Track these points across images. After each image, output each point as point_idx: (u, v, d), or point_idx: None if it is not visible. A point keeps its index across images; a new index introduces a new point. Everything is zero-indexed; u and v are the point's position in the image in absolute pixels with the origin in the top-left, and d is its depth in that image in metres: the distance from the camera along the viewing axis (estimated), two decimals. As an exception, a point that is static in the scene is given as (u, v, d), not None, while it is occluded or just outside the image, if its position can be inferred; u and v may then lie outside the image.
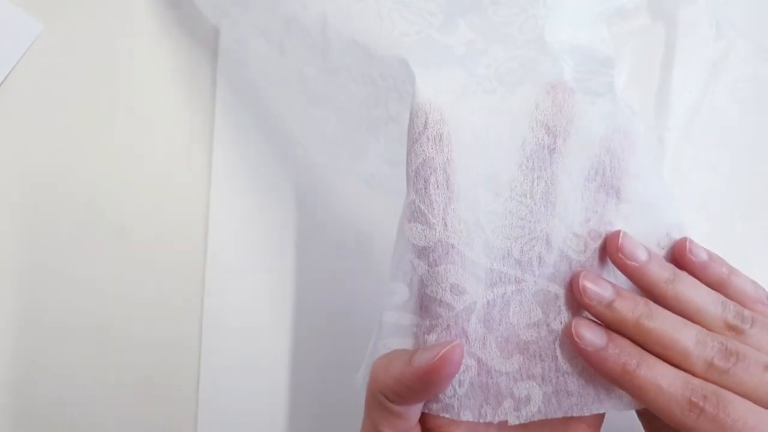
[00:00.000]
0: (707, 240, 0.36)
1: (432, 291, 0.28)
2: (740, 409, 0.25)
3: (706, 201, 0.37)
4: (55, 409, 0.38)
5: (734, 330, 0.28)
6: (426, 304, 0.28)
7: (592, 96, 0.28)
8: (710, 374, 0.26)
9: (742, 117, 0.38)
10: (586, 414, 0.28)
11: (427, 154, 0.27)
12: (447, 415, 0.28)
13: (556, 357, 0.28)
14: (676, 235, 0.30)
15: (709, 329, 0.27)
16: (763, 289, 0.30)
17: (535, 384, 0.28)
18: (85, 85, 0.41)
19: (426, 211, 0.28)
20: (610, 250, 0.28)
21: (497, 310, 0.28)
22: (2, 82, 0.40)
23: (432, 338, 0.28)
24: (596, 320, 0.28)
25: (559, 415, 0.28)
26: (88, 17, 0.41)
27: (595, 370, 0.28)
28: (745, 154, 0.38)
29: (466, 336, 0.28)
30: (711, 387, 0.26)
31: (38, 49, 0.41)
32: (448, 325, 0.28)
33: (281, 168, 0.41)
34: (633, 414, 0.30)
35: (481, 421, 0.28)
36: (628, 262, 0.28)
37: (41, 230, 0.39)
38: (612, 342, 0.27)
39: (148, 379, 0.40)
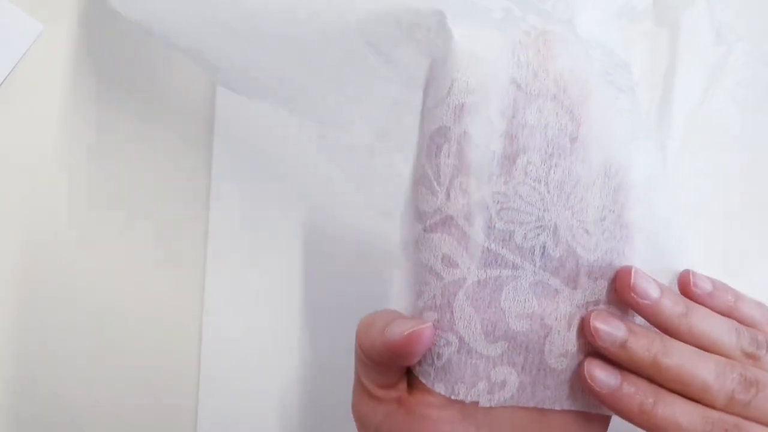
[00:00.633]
0: (706, 245, 0.36)
1: (424, 257, 0.28)
2: None
3: (705, 206, 0.37)
4: (55, 409, 0.38)
5: (751, 357, 0.27)
6: (417, 269, 0.28)
7: (616, 91, 0.28)
8: (731, 407, 0.26)
9: (741, 121, 0.38)
10: (557, 408, 0.28)
11: (444, 122, 0.27)
12: (423, 381, 0.28)
13: (543, 352, 0.28)
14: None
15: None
16: None
17: (513, 371, 0.27)
18: (85, 85, 0.41)
19: (432, 178, 0.27)
20: (621, 288, 0.28)
21: (488, 291, 0.27)
22: (2, 82, 0.40)
23: (420, 304, 0.28)
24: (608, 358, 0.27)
25: (531, 404, 0.27)
26: (88, 17, 0.41)
27: (611, 411, 0.27)
28: (744, 158, 0.38)
29: (451, 310, 0.27)
30: (732, 419, 0.26)
31: (38, 49, 0.41)
32: (434, 295, 0.27)
33: (282, 167, 0.40)
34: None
35: (452, 398, 0.27)
36: (641, 300, 0.27)
37: (41, 230, 0.39)
38: (626, 381, 0.27)
39: (148, 379, 0.39)
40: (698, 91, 0.38)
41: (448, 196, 0.27)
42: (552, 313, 0.28)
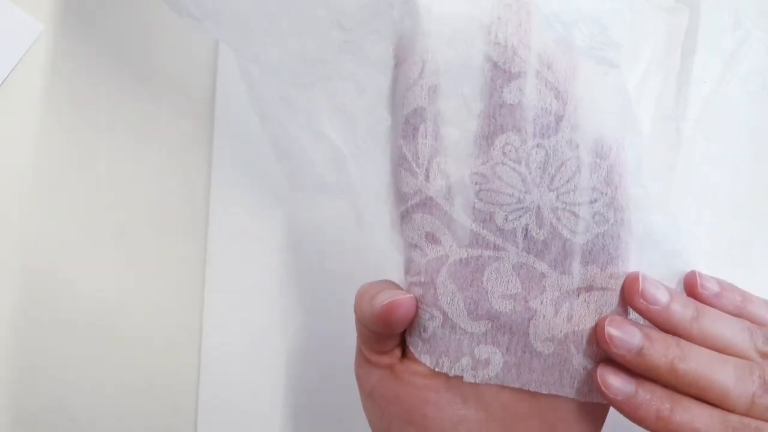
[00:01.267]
0: (713, 234, 0.36)
1: (408, 236, 0.28)
2: None
3: (713, 195, 0.36)
4: (55, 409, 0.38)
5: (766, 356, 0.27)
6: (404, 247, 0.28)
7: (606, 66, 0.27)
8: (752, 411, 0.25)
9: (752, 111, 0.36)
10: (544, 392, 0.27)
11: (419, 104, 0.27)
12: (412, 351, 0.28)
13: (527, 334, 0.27)
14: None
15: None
16: None
17: (498, 351, 0.27)
18: (85, 85, 0.41)
19: (411, 159, 0.27)
20: (629, 295, 0.27)
21: (469, 270, 0.27)
22: (2, 82, 0.40)
23: (408, 279, 0.28)
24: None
25: (516, 385, 0.27)
26: (88, 17, 0.41)
27: (626, 417, 0.26)
28: (753, 148, 0.37)
29: (435, 286, 0.27)
30: (753, 423, 0.25)
31: (38, 49, 0.41)
32: (419, 271, 0.28)
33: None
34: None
35: (437, 370, 0.28)
36: (651, 306, 0.26)
37: (41, 229, 0.39)
38: (641, 387, 0.26)
39: (148, 379, 0.39)
40: (714, 76, 0.36)
41: (427, 177, 0.27)
42: (537, 297, 0.27)
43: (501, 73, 0.26)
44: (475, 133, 0.26)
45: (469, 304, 0.27)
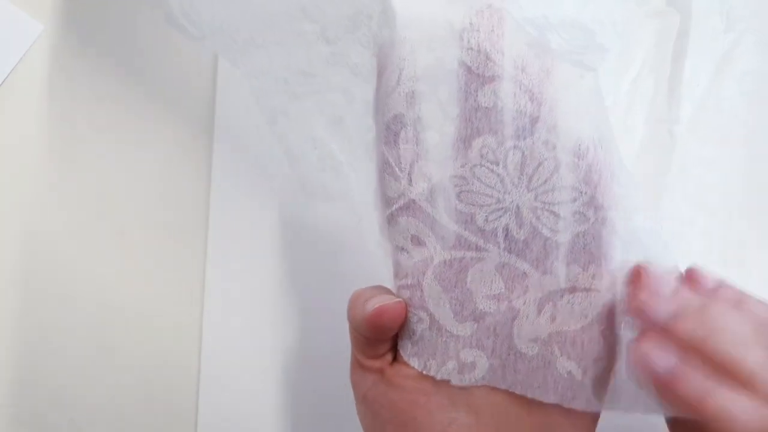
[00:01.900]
0: (707, 235, 0.36)
1: (395, 239, 0.28)
2: None
3: (707, 197, 0.37)
4: (55, 410, 0.38)
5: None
6: (392, 248, 0.29)
7: (582, 69, 0.27)
8: None
9: (747, 112, 0.37)
10: (529, 396, 0.27)
11: (398, 110, 0.27)
12: (402, 353, 0.29)
13: (512, 336, 0.27)
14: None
15: None
16: None
17: (483, 354, 0.27)
18: (85, 85, 0.41)
19: (394, 164, 0.28)
20: (634, 287, 0.27)
21: (453, 272, 0.28)
22: (2, 82, 0.40)
23: (396, 282, 0.29)
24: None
25: (503, 386, 0.27)
26: (87, 17, 0.41)
27: (664, 400, 0.25)
28: (747, 149, 0.37)
29: (421, 288, 0.28)
30: None
31: (38, 49, 0.41)
32: (406, 274, 0.28)
33: (282, 167, 0.40)
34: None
35: (425, 373, 0.28)
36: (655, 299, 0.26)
37: (41, 230, 0.39)
38: (682, 364, 0.25)
39: (148, 380, 0.39)
40: (707, 78, 0.37)
41: (410, 180, 0.27)
42: (520, 297, 0.27)
43: (475, 77, 0.27)
44: (453, 137, 0.27)
45: (455, 305, 0.28)
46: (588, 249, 0.27)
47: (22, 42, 0.41)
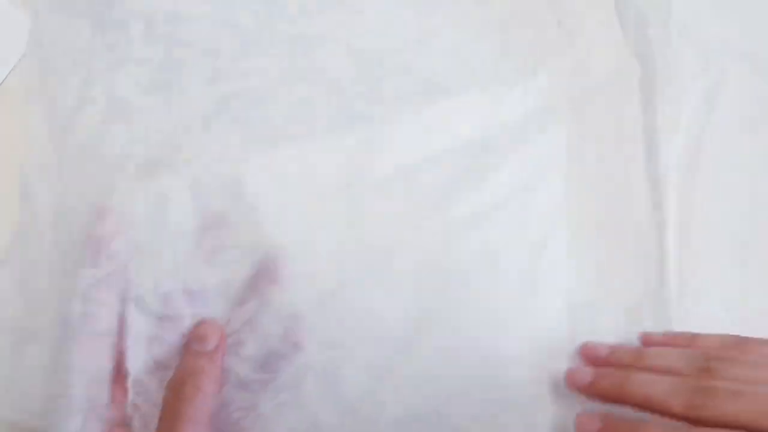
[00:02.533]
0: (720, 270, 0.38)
1: None
2: None
3: (724, 227, 0.38)
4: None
5: (705, 371, 0.30)
6: None
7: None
8: (693, 413, 0.29)
9: (750, 138, 0.39)
10: None
11: None
12: None
13: None
14: None
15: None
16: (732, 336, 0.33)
17: None
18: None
19: None
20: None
21: None
22: (2, 82, 0.40)
23: None
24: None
25: None
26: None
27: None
28: (748, 180, 0.39)
29: None
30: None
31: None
32: None
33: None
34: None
35: None
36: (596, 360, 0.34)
37: (41, 230, 0.37)
38: (608, 423, 0.32)
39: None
40: (693, 119, 0.39)
41: None
42: None
43: None
44: None
45: None
46: None
47: (22, 42, 0.40)
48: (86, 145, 0.36)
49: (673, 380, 0.30)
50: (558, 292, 0.36)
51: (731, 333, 0.33)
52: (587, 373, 0.33)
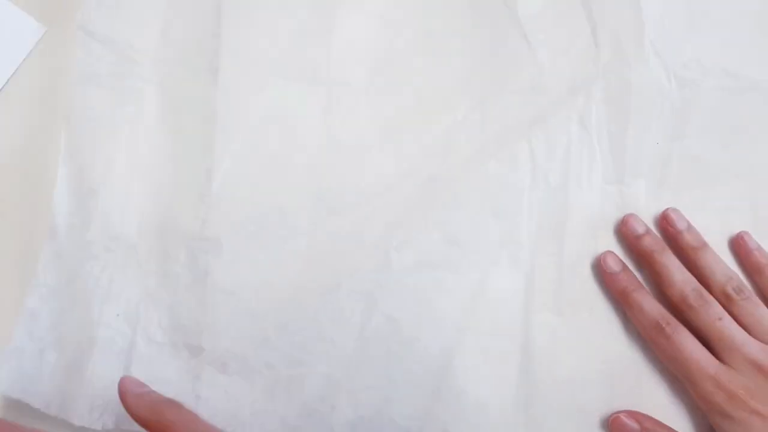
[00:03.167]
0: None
1: None
2: (685, 341, 0.35)
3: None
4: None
5: (725, 296, 0.36)
6: None
7: None
8: (681, 306, 0.36)
9: (722, 156, 0.40)
10: None
11: None
12: None
13: None
14: None
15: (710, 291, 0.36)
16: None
17: None
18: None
19: None
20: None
21: None
22: (5, 83, 0.41)
23: None
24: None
25: None
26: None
27: (607, 288, 0.38)
28: (726, 189, 0.40)
29: None
30: (674, 319, 0.36)
31: (41, 51, 0.42)
32: None
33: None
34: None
35: None
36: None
37: (42, 230, 0.39)
38: (624, 272, 0.37)
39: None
40: (663, 134, 0.40)
41: None
42: None
43: None
44: None
45: None
46: None
47: (25, 44, 0.42)
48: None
49: (693, 279, 0.37)
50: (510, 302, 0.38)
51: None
52: (642, 226, 0.38)
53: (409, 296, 0.38)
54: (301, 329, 0.37)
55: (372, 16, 0.40)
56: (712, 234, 0.39)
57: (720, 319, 0.35)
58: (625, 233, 0.38)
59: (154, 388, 0.37)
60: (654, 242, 0.38)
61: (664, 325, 0.36)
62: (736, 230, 0.39)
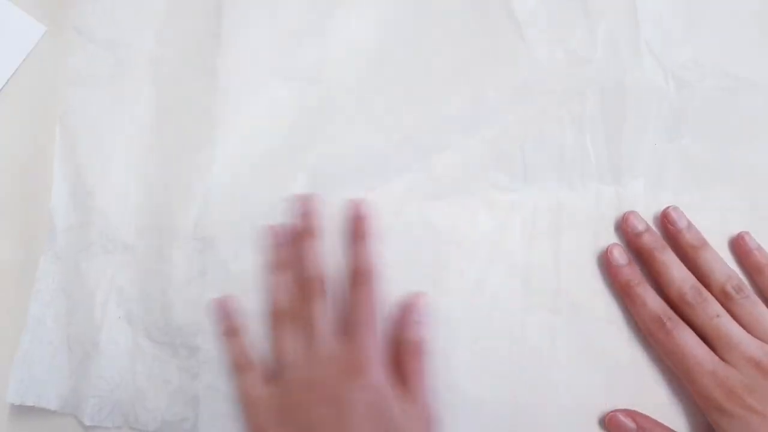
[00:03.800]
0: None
1: None
2: (685, 337, 0.35)
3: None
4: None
5: (723, 294, 0.36)
6: None
7: None
8: (680, 304, 0.36)
9: (718, 157, 0.40)
10: None
11: None
12: None
13: None
14: None
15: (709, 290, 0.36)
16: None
17: None
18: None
19: None
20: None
21: None
22: (6, 83, 0.41)
23: None
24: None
25: None
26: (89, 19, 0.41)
27: (611, 280, 0.38)
28: (724, 196, 0.40)
29: None
30: (675, 315, 0.36)
31: (41, 51, 0.42)
32: None
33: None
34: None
35: None
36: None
37: (42, 230, 0.40)
38: (629, 265, 0.37)
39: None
40: (661, 136, 0.40)
41: None
42: None
43: None
44: None
45: None
46: None
47: (25, 44, 0.42)
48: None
49: (692, 276, 0.37)
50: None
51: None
52: (642, 224, 0.38)
53: (404, 294, 0.38)
54: None
55: (367, 17, 0.41)
56: (712, 234, 0.38)
57: (718, 316, 0.35)
58: (625, 230, 0.38)
59: (155, 387, 0.38)
60: (654, 240, 0.38)
61: (665, 321, 0.36)
62: (735, 230, 0.39)
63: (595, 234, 0.39)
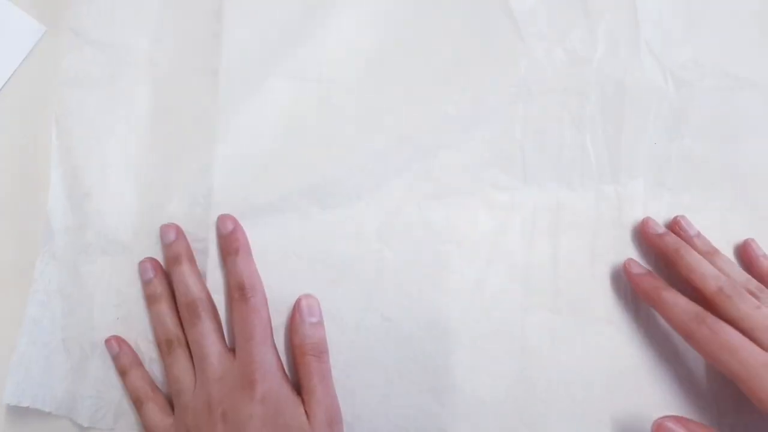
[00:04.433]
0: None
1: None
2: (730, 331, 0.34)
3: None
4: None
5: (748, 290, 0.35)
6: None
7: None
8: (717, 297, 0.35)
9: (719, 157, 0.40)
10: None
11: None
12: None
13: None
14: None
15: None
16: None
17: None
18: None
19: None
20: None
21: None
22: (5, 83, 0.41)
23: None
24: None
25: None
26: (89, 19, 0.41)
27: (635, 291, 0.38)
28: (724, 194, 0.40)
29: None
30: (710, 314, 0.35)
31: (40, 51, 0.42)
32: None
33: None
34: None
35: None
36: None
37: (40, 232, 0.39)
38: (650, 273, 0.38)
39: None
40: (661, 136, 0.40)
41: None
42: None
43: None
44: None
45: None
46: None
47: (25, 44, 0.42)
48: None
49: (719, 272, 0.36)
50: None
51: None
52: (661, 227, 0.38)
53: (405, 294, 0.38)
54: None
55: (367, 17, 0.41)
56: (712, 234, 0.38)
57: (758, 307, 0.34)
58: (645, 233, 0.38)
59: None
60: (676, 240, 0.38)
61: (704, 317, 0.34)
62: (735, 230, 0.39)
63: (595, 234, 0.39)
